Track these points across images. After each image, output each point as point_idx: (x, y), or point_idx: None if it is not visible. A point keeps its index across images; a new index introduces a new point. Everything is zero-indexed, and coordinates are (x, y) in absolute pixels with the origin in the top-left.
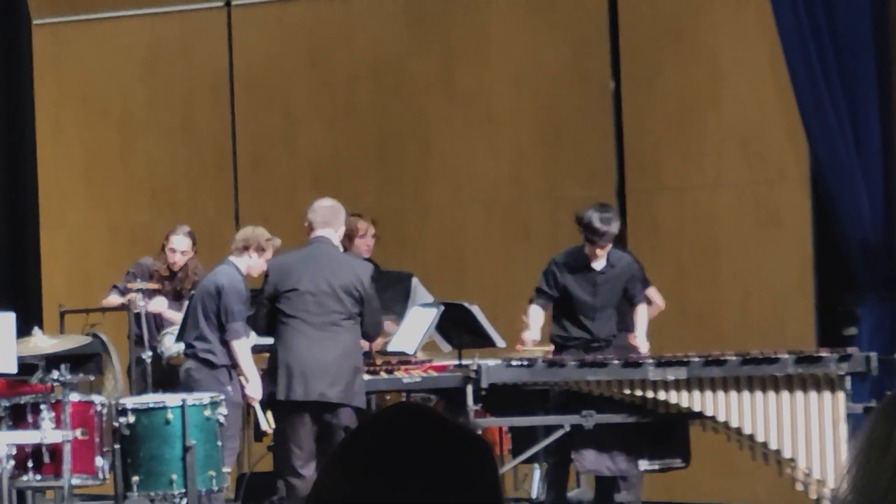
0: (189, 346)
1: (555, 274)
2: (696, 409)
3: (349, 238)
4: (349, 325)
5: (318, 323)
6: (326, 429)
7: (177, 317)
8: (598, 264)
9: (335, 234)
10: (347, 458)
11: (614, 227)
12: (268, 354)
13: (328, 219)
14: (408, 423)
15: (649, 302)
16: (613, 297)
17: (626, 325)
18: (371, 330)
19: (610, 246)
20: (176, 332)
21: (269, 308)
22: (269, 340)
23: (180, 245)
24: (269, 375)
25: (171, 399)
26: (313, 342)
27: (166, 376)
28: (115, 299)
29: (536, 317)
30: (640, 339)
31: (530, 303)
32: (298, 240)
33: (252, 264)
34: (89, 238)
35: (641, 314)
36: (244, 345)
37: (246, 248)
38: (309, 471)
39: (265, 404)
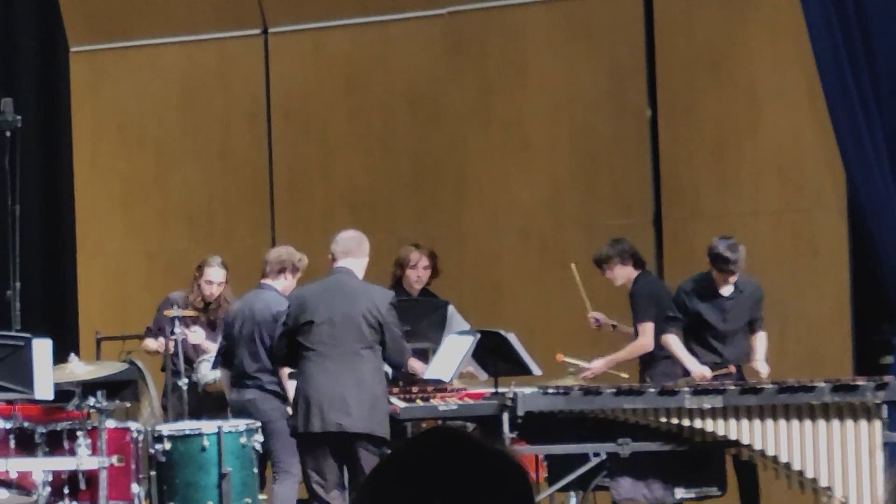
0: (250, 376)
1: (684, 301)
2: (733, 437)
3: (401, 267)
4: (368, 355)
5: (335, 354)
6: (351, 458)
7: (212, 347)
8: (726, 290)
9: (357, 264)
10: (384, 481)
11: (742, 252)
12: None
13: (349, 249)
14: (445, 446)
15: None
16: (742, 321)
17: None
18: (395, 356)
19: (739, 273)
20: (212, 360)
21: (290, 341)
22: None
23: (217, 277)
24: (293, 407)
25: (207, 426)
26: (330, 373)
27: (202, 403)
28: (151, 343)
29: (681, 347)
30: (761, 364)
31: (663, 332)
32: None
33: (287, 286)
34: (126, 265)
35: (761, 340)
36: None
37: (283, 270)
38: (336, 499)
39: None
